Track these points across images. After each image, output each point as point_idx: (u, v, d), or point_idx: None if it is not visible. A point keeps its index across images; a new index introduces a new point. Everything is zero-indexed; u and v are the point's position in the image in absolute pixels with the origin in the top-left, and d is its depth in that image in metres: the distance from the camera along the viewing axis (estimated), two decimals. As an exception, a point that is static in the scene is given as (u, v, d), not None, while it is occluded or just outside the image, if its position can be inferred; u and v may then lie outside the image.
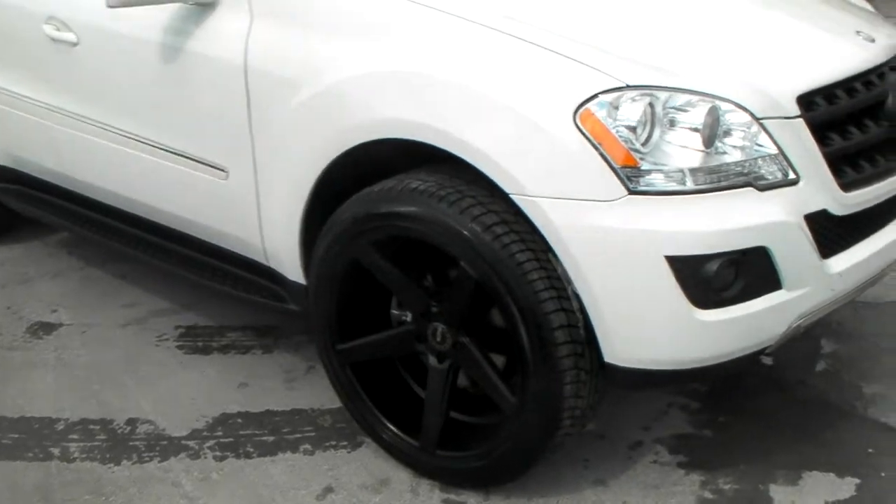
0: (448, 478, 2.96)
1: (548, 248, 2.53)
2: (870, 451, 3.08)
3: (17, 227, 4.73)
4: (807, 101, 2.60)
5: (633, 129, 2.43)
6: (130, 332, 3.91)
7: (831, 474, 2.98)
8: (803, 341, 3.41)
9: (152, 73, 3.28)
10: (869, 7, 3.58)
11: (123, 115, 3.49)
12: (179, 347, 3.79)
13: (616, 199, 2.42)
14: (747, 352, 2.60)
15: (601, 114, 2.43)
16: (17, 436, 3.26)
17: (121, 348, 3.79)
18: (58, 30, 3.58)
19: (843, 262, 2.69)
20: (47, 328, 3.95)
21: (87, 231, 3.94)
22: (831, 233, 2.67)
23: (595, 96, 2.44)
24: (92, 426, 3.31)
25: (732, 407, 3.31)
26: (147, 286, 4.23)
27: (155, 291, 4.19)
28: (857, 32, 2.97)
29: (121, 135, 3.51)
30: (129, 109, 3.47)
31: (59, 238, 4.74)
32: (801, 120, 2.57)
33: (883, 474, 2.97)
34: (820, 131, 2.62)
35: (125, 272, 4.35)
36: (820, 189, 2.60)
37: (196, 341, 3.83)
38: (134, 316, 4.03)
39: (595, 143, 2.43)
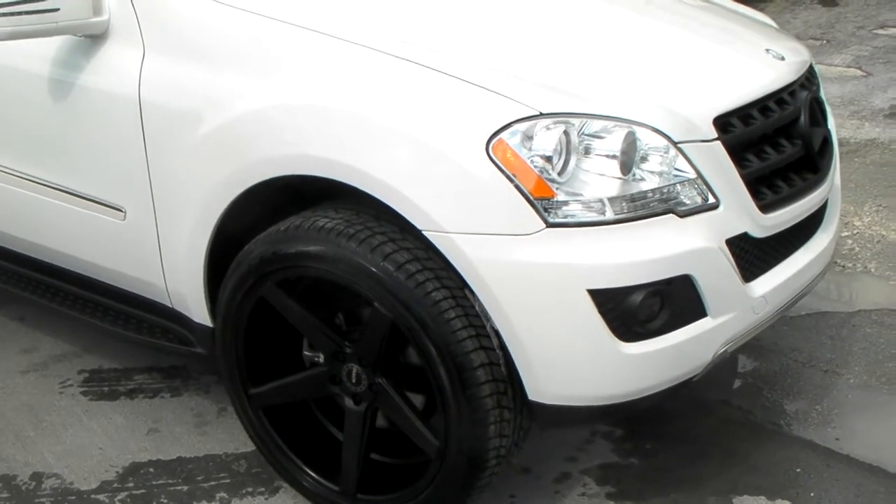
0: (371, 523, 2.85)
1: (464, 285, 2.44)
2: (798, 470, 3.05)
3: None
4: (723, 123, 2.56)
5: (548, 159, 2.35)
6: (32, 379, 3.72)
7: (762, 498, 2.94)
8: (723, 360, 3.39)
9: (42, 108, 3.12)
10: (771, 22, 3.57)
11: (13, 153, 3.32)
12: (84, 393, 3.62)
13: (533, 233, 2.34)
14: (675, 382, 2.55)
15: (515, 144, 2.35)
16: (-90, 498, 3.08)
17: (22, 397, 3.61)
18: (-62, 63, 3.39)
19: (765, 284, 2.67)
20: (-60, 379, 3.75)
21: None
22: (752, 256, 2.63)
23: (508, 126, 2.36)
24: (-7, 483, 3.15)
25: (657, 432, 3.25)
26: (47, 329, 4.04)
27: (56, 334, 4.00)
28: (767, 51, 2.95)
29: (11, 174, 3.33)
30: (19, 147, 3.29)
31: (-49, 282, 4.50)
32: (718, 142, 2.52)
33: (812, 494, 2.95)
34: (737, 153, 2.57)
35: (23, 314, 4.16)
36: (740, 212, 2.56)
37: (101, 386, 3.67)
38: (34, 361, 3.84)
39: (509, 174, 2.34)
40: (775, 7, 9.06)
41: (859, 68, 7.26)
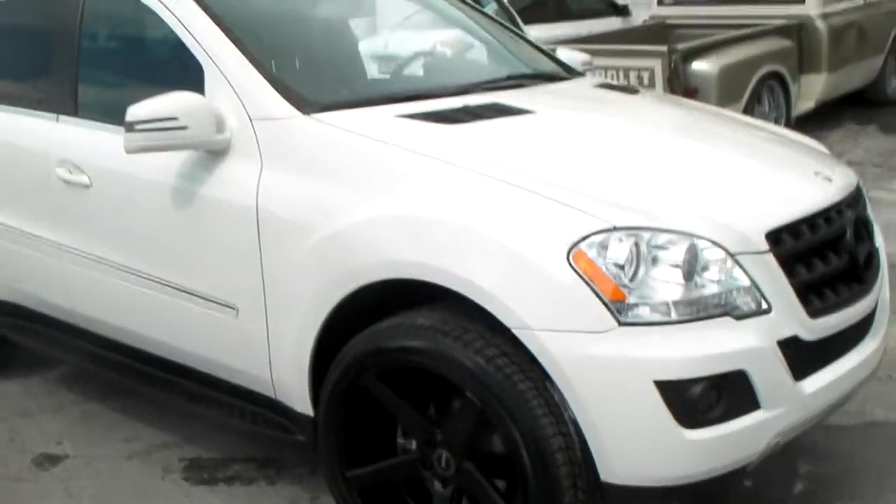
0: None
1: (545, 377, 2.74)
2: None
3: (13, 363, 4.79)
4: (775, 237, 2.87)
5: (621, 267, 2.69)
6: (136, 464, 3.95)
7: None
8: (781, 462, 3.53)
9: (165, 215, 3.48)
10: (822, 148, 3.92)
11: (135, 254, 3.66)
12: (185, 479, 3.84)
13: (608, 331, 2.66)
14: (732, 468, 2.80)
15: (592, 253, 2.69)
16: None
17: (128, 480, 3.84)
18: (70, 172, 3.80)
19: (814, 383, 2.93)
20: (53, 460, 4.00)
21: (91, 364, 4.07)
22: (802, 357, 2.90)
23: (586, 237, 2.70)
24: (102, 559, 3.37)
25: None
26: (147, 420, 4.27)
27: (155, 425, 4.23)
28: (816, 173, 3.28)
29: (132, 273, 3.67)
30: (141, 249, 3.64)
31: (58, 373, 4.78)
32: (770, 254, 2.84)
33: None
34: (787, 264, 2.88)
35: (125, 406, 4.39)
36: (790, 317, 2.85)
37: (201, 473, 3.89)
38: (136, 449, 4.07)
39: (587, 279, 2.67)
40: (838, 135, 9.36)
41: (917, 194, 7.46)
